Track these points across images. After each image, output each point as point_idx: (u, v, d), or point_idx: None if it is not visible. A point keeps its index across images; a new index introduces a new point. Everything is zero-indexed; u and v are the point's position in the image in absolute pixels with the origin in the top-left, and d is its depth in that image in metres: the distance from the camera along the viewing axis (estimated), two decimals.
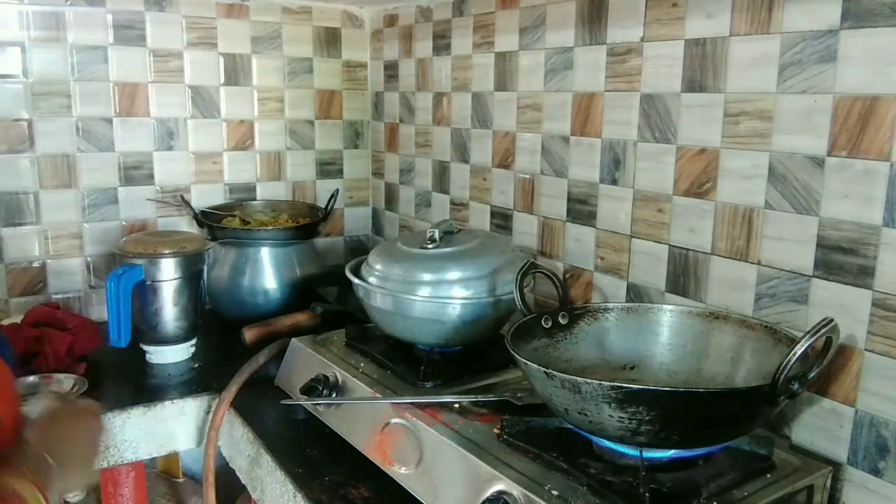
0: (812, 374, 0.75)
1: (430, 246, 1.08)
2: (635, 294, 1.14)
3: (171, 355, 1.33)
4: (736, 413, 0.75)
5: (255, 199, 1.73)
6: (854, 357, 0.85)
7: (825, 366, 0.75)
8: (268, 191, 1.76)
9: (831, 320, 0.71)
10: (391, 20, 1.73)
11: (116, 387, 1.22)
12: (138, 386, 1.23)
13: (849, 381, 0.86)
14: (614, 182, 1.16)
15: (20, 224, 1.49)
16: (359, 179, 1.89)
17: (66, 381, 1.19)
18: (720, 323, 0.93)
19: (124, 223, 1.59)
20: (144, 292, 1.27)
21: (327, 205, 1.59)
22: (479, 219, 1.49)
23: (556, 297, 1.04)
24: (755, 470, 0.80)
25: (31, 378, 1.18)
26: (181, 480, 1.71)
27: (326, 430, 1.03)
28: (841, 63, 0.84)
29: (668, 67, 1.05)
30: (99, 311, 1.56)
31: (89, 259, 1.56)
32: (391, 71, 1.75)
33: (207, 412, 1.19)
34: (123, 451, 1.14)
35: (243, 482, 1.10)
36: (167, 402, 1.17)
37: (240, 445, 1.10)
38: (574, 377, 0.74)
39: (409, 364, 1.05)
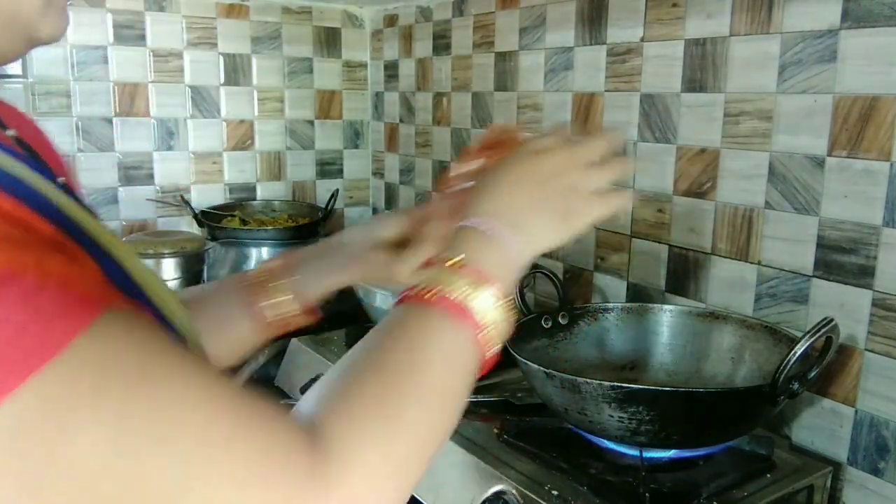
0: (812, 374, 0.75)
1: None
2: (635, 294, 1.14)
3: None
4: (736, 413, 0.74)
5: (255, 199, 1.73)
6: (854, 357, 0.85)
7: (825, 366, 0.75)
8: (268, 191, 1.76)
9: (831, 320, 0.71)
10: (391, 20, 1.73)
11: None
12: None
13: (849, 381, 0.86)
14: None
15: None
16: (359, 179, 1.89)
17: None
18: (720, 323, 0.93)
19: (124, 223, 1.59)
20: None
21: (327, 205, 1.59)
22: None
23: (556, 297, 1.03)
24: (755, 470, 0.80)
25: None
26: None
27: None
28: (841, 63, 0.84)
29: (668, 67, 1.05)
30: None
31: None
32: (391, 71, 1.75)
33: None
34: None
35: None
36: None
37: None
38: (574, 377, 0.74)
39: None
